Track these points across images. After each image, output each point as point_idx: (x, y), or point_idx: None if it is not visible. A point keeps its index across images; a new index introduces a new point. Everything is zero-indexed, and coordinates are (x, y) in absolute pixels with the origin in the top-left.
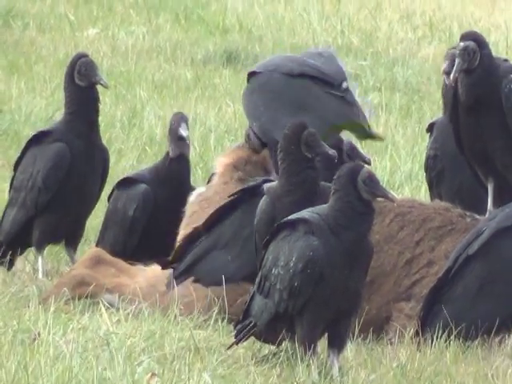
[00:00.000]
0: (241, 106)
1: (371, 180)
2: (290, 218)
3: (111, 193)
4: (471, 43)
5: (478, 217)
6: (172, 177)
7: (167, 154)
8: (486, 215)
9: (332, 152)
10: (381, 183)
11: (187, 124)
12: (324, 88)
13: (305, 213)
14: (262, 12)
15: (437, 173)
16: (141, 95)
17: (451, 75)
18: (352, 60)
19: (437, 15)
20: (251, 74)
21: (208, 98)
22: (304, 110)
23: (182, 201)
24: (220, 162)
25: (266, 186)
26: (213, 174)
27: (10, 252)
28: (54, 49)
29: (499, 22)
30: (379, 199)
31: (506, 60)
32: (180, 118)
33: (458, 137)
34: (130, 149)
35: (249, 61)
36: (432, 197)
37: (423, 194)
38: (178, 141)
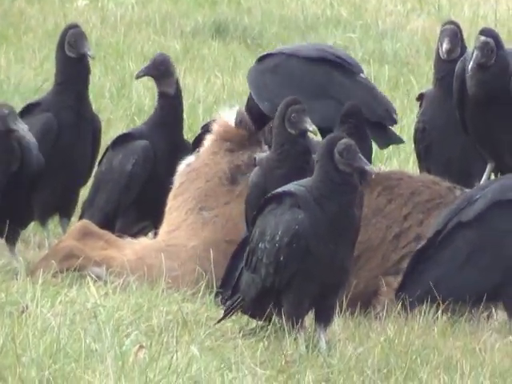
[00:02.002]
0: (229, 78)
1: (348, 151)
2: (276, 191)
3: (103, 155)
4: (491, 41)
5: (466, 190)
6: (165, 117)
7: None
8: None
9: (312, 128)
10: (359, 154)
11: (153, 61)
12: (345, 74)
13: (291, 186)
14: None
15: (425, 146)
16: (130, 66)
17: (469, 67)
18: (341, 32)
19: None
20: (265, 56)
21: (197, 70)
22: (325, 96)
23: (178, 153)
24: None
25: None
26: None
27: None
28: (43, 19)
29: None
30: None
31: None
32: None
33: (463, 122)
34: (119, 119)
35: (237, 32)
36: (421, 169)
37: (411, 166)
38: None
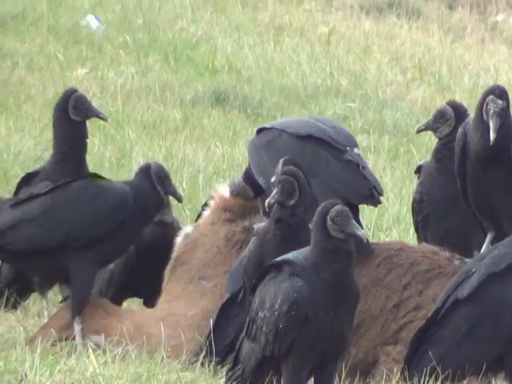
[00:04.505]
0: (229, 148)
1: (341, 218)
2: (275, 260)
3: None
4: (505, 103)
5: (466, 260)
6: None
7: None
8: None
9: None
10: (352, 220)
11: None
12: (332, 153)
13: (290, 254)
14: (252, 53)
15: (423, 217)
16: (129, 135)
17: (491, 135)
18: (341, 102)
19: (426, 58)
20: (261, 130)
21: (197, 139)
22: (310, 174)
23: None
24: (216, 196)
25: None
26: (205, 205)
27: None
28: (43, 88)
29: (488, 65)
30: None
31: None
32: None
33: (464, 188)
34: None
35: (237, 102)
36: (419, 240)
37: (411, 237)
38: None
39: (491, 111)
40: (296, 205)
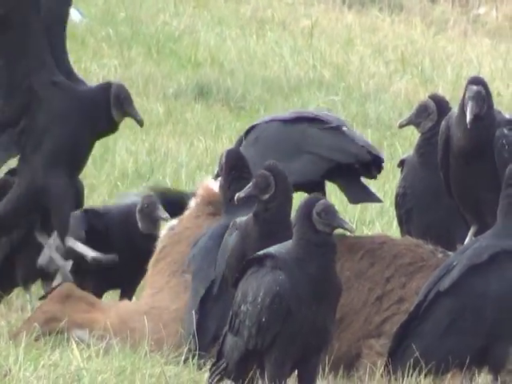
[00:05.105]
0: (212, 142)
1: (326, 212)
2: (257, 254)
3: None
4: (482, 90)
5: (449, 253)
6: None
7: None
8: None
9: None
10: (338, 214)
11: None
12: (316, 126)
13: (272, 248)
14: (234, 46)
15: (406, 211)
16: None
17: (468, 117)
18: (324, 95)
19: (409, 50)
20: (250, 129)
21: (180, 134)
22: (299, 152)
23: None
24: (204, 187)
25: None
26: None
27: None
28: None
29: (471, 56)
30: (349, 233)
31: (499, 112)
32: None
33: (447, 182)
34: (102, 184)
35: (220, 95)
36: (402, 233)
37: (394, 230)
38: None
39: (466, 96)
40: (270, 199)
